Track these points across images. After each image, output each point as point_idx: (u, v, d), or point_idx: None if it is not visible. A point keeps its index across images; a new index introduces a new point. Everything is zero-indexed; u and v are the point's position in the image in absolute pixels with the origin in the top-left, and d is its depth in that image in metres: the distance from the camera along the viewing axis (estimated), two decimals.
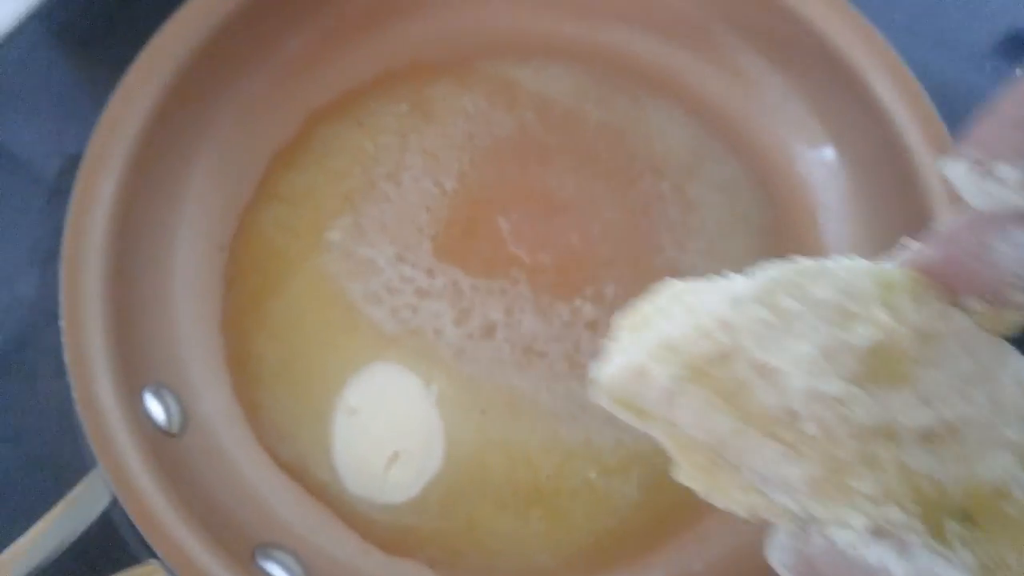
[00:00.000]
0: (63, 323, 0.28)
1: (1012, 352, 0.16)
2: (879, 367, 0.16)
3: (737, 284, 0.16)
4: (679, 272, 0.34)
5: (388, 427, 0.32)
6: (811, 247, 0.34)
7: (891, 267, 0.17)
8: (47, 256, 0.35)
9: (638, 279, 0.33)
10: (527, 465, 0.31)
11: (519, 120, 0.36)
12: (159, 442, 0.28)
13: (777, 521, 0.17)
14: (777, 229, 0.35)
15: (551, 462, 0.31)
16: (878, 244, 0.33)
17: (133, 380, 0.29)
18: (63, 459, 0.31)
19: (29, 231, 0.35)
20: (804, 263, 0.17)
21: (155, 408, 0.29)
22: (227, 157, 0.34)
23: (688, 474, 0.17)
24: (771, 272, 0.17)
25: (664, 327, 0.16)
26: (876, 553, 0.15)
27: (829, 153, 0.35)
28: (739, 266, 0.34)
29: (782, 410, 0.15)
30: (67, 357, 0.27)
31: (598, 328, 0.33)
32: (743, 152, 0.36)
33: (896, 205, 0.32)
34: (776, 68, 0.36)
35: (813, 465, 0.15)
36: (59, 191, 0.36)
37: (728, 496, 0.17)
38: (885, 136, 0.31)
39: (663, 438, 0.17)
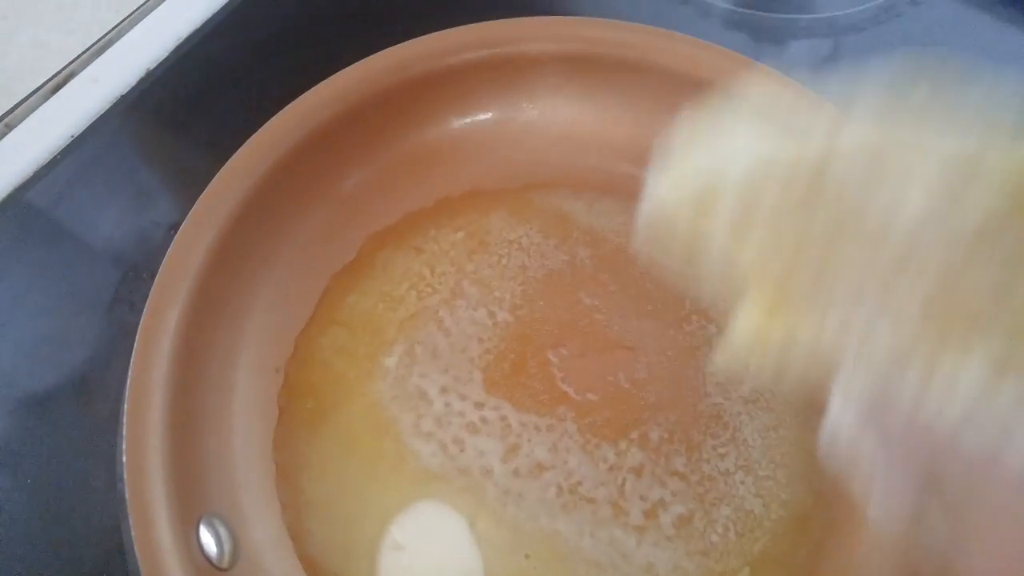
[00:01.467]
0: (125, 457, 0.28)
1: None
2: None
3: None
4: (722, 419, 0.34)
5: (433, 566, 0.32)
6: None
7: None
8: (105, 362, 0.36)
9: (683, 424, 0.34)
10: None
11: (571, 254, 0.37)
12: None
13: (848, 364, 0.14)
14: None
15: None
16: None
17: (189, 512, 0.29)
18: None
19: (90, 337, 0.36)
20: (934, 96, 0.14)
21: (208, 541, 0.29)
22: (288, 282, 0.35)
23: (748, 315, 0.15)
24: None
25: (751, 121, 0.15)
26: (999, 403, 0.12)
27: None
28: (781, 415, 0.35)
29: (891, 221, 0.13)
30: (128, 491, 0.28)
31: (643, 474, 0.33)
32: None
33: None
34: None
35: (929, 282, 0.13)
36: (120, 299, 0.37)
37: (790, 333, 0.15)
38: None
39: (724, 251, 0.15)
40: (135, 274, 0.37)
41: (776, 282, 0.15)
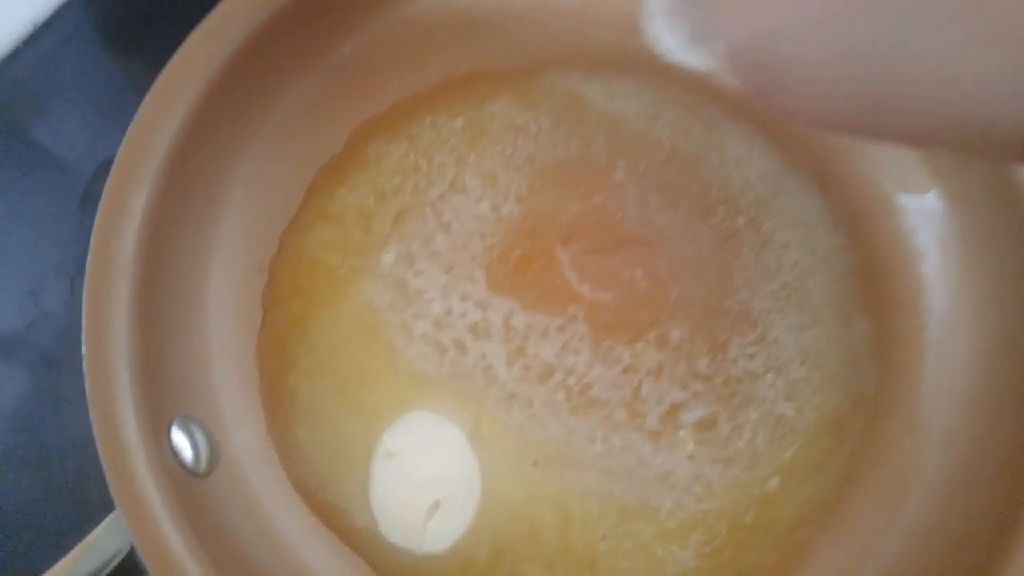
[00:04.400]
0: (85, 348, 0.26)
1: None
2: None
3: None
4: (751, 317, 0.31)
5: (430, 473, 0.29)
6: (900, 295, 0.31)
7: None
8: (77, 267, 0.33)
9: (707, 324, 0.31)
10: (580, 524, 0.28)
11: (584, 141, 0.33)
12: (184, 483, 0.26)
13: None
14: (861, 273, 0.32)
15: (605, 523, 0.28)
16: (983, 294, 0.30)
17: (160, 412, 0.27)
18: (87, 492, 0.30)
19: (59, 238, 0.34)
20: None
21: (182, 444, 0.27)
22: (269, 170, 0.32)
23: None
24: None
25: None
26: None
27: (930, 195, 0.31)
28: (817, 312, 0.31)
29: None
30: (88, 387, 0.25)
31: (661, 375, 0.30)
32: (827, 188, 0.33)
33: (1009, 253, 0.29)
34: None
35: None
36: (91, 197, 0.34)
37: None
38: (1001, 178, 0.28)
39: None
40: (108, 170, 0.34)
41: None
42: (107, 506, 0.30)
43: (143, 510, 0.24)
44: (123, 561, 0.25)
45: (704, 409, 0.30)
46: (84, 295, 0.26)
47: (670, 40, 0.15)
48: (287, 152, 0.32)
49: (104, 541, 0.25)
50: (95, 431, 0.25)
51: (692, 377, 0.30)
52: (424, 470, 0.29)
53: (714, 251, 0.32)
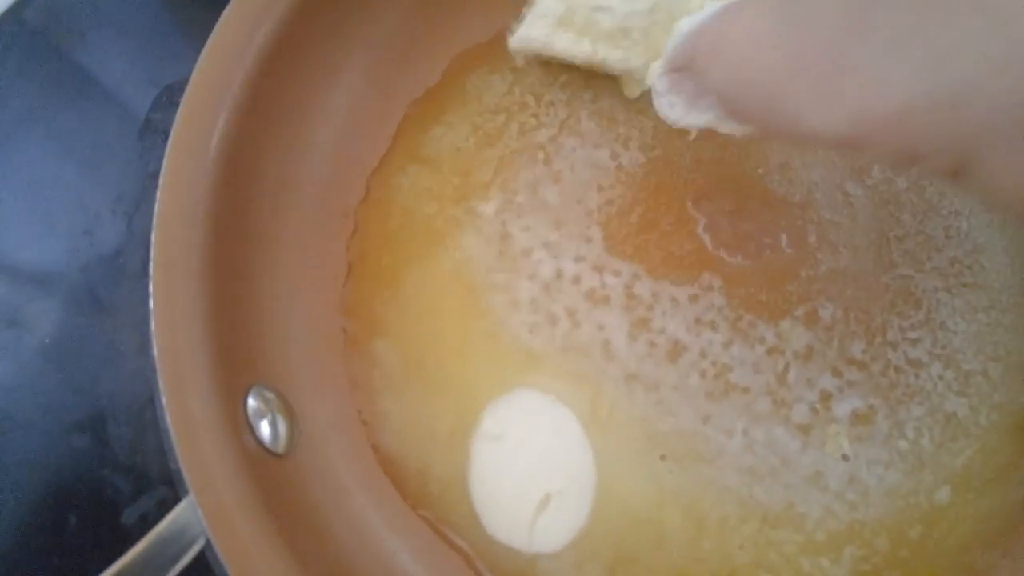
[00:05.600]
0: (153, 304, 0.22)
1: None
2: None
3: None
4: (914, 296, 0.27)
5: (539, 462, 0.25)
6: None
7: None
8: (135, 203, 0.29)
9: (862, 301, 0.26)
10: (715, 530, 0.24)
11: None
12: (263, 465, 0.22)
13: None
14: None
15: (745, 529, 0.24)
16: None
17: (234, 382, 0.23)
18: (145, 463, 0.26)
19: (116, 173, 0.30)
20: None
21: (259, 421, 0.23)
22: (356, 105, 0.28)
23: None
24: None
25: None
26: None
27: None
28: (994, 294, 0.27)
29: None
30: (157, 355, 0.21)
31: (811, 360, 0.26)
32: None
33: None
34: None
35: None
36: (151, 127, 0.30)
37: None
38: None
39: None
40: (169, 98, 0.30)
41: None
42: (165, 478, 0.26)
43: (220, 497, 0.21)
44: (198, 555, 0.21)
45: (860, 400, 0.25)
46: (152, 243, 0.22)
47: (673, 114, 0.20)
48: (377, 83, 0.28)
49: (178, 530, 0.21)
50: (165, 404, 0.21)
51: (846, 363, 0.26)
52: (532, 458, 0.25)
53: (870, 217, 0.27)
